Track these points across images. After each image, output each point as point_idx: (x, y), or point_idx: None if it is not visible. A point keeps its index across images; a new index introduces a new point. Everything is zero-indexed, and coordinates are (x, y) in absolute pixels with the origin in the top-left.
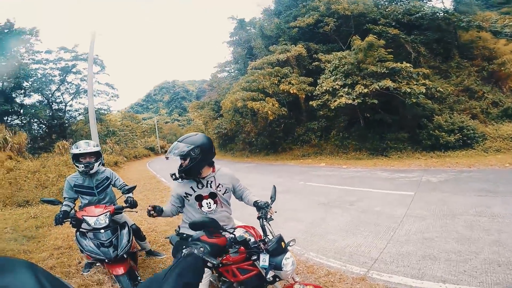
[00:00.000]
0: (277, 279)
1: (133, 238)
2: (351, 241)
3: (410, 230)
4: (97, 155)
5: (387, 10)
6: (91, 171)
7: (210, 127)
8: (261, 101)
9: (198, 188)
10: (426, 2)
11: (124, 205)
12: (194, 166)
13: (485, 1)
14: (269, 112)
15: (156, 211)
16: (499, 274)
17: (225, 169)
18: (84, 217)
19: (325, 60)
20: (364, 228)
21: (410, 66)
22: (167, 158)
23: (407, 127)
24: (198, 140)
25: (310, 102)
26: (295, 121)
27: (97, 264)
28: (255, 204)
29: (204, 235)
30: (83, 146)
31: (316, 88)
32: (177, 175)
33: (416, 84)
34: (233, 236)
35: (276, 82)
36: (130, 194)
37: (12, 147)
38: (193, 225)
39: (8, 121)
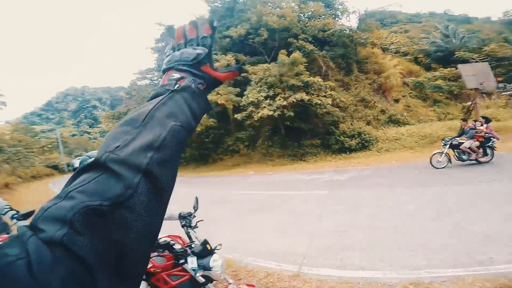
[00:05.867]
0: (210, 282)
1: None
2: (282, 242)
3: (328, 225)
4: None
5: (306, 25)
6: None
7: None
8: None
9: None
10: (337, 20)
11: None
12: None
13: (381, 20)
14: None
15: None
16: (401, 258)
17: None
18: None
19: (251, 72)
20: (290, 228)
21: (320, 80)
22: None
23: (319, 134)
24: None
25: (236, 115)
26: (224, 132)
27: None
28: (180, 215)
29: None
30: None
31: (243, 99)
32: None
33: (324, 96)
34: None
35: None
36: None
37: None
38: None
39: None
